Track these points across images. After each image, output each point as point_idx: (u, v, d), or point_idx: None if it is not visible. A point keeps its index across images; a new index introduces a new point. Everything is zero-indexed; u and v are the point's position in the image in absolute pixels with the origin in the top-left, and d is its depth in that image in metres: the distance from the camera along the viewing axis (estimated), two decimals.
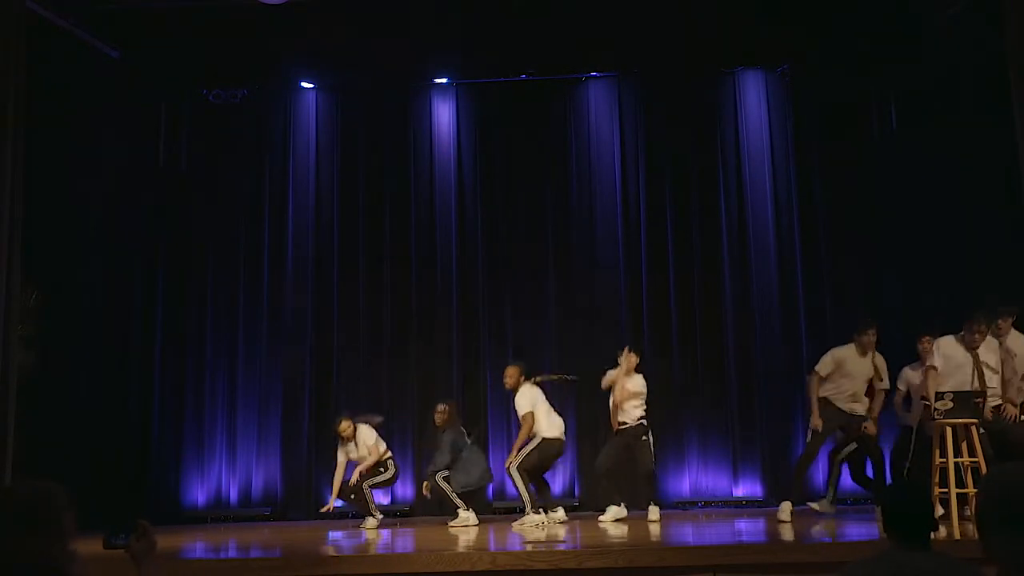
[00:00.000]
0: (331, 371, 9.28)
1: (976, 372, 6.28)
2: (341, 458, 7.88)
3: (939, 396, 6.10)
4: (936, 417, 6.08)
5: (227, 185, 9.63)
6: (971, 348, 6.28)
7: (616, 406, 7.48)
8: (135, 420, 8.97)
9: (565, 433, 7.63)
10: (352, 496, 7.82)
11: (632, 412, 7.48)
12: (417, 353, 9.26)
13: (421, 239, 9.50)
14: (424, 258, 9.46)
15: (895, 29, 8.57)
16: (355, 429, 7.83)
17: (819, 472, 8.81)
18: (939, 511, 5.99)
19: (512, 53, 9.15)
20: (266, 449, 9.23)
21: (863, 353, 6.98)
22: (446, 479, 7.63)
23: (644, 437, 7.42)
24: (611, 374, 7.56)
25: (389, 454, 8.01)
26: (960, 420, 6.03)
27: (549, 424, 7.46)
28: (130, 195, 9.15)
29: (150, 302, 9.25)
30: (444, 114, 9.71)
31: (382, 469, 7.88)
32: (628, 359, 7.49)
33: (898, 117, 9.03)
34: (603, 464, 7.46)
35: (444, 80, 9.68)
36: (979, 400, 6.10)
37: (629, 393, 7.44)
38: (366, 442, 7.82)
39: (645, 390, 7.52)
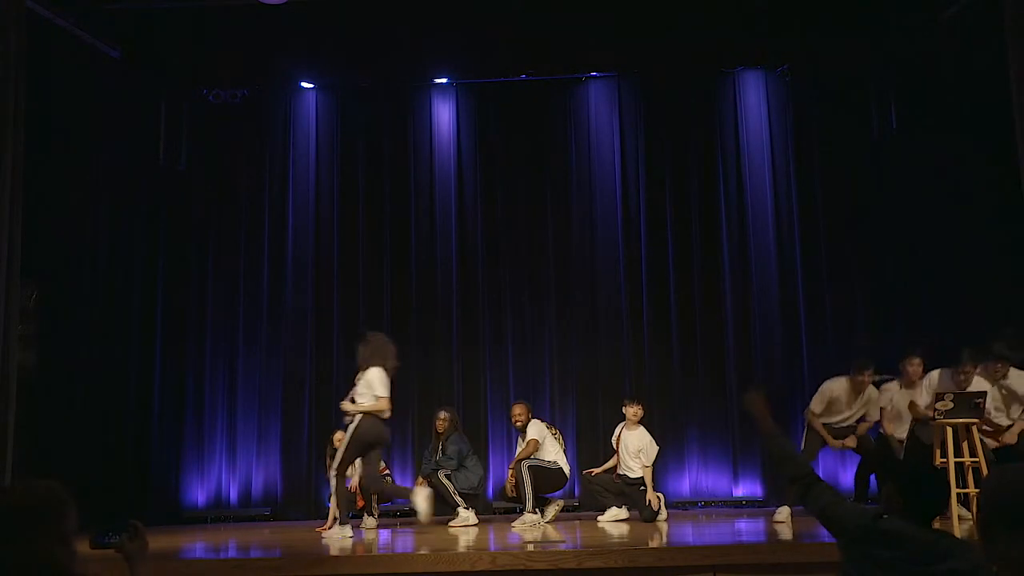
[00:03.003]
0: (331, 371, 9.27)
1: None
2: None
3: (939, 396, 6.11)
4: (936, 418, 6.08)
5: (227, 185, 9.63)
6: (961, 387, 6.34)
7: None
8: (135, 420, 8.96)
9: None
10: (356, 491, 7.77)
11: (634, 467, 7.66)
12: (417, 353, 9.25)
13: (421, 238, 9.50)
14: (424, 257, 9.46)
15: (895, 29, 8.57)
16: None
17: (818, 473, 8.80)
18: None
19: (512, 53, 9.14)
20: (266, 449, 9.23)
21: (856, 393, 7.06)
22: (448, 477, 7.64)
23: (642, 488, 7.55)
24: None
25: (388, 472, 8.00)
26: (960, 420, 6.04)
27: (560, 460, 7.61)
28: (130, 195, 9.14)
29: (150, 302, 9.24)
30: (444, 114, 9.70)
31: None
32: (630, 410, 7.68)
33: (898, 117, 9.03)
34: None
35: (444, 80, 9.67)
36: (980, 400, 6.10)
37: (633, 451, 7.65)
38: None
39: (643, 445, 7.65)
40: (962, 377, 6.32)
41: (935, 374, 6.55)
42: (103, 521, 2.55)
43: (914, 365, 6.95)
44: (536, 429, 7.62)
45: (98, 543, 2.48)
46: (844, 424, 7.16)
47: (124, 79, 8.89)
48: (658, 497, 7.49)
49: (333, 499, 7.75)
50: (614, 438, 7.79)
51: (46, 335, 8.02)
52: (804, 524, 6.61)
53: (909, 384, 7.02)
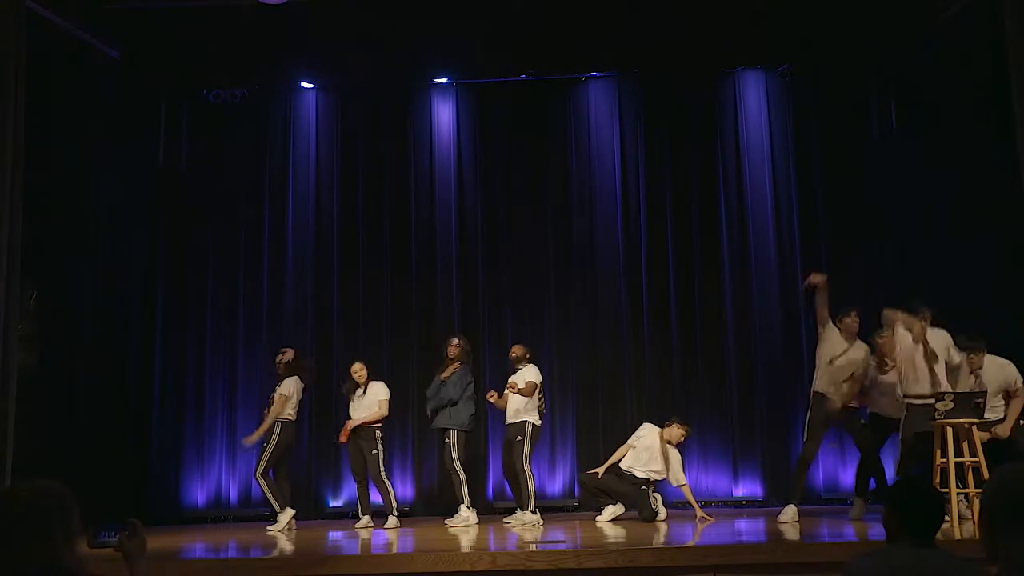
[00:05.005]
0: (331, 371, 9.25)
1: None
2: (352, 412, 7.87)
3: (940, 396, 6.11)
4: (936, 417, 6.08)
5: (227, 185, 9.62)
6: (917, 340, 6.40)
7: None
8: (135, 420, 8.96)
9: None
10: (365, 481, 7.82)
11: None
12: (416, 353, 9.25)
13: (421, 238, 9.49)
14: (424, 257, 9.45)
15: (895, 29, 8.57)
16: (368, 379, 7.81)
17: (818, 475, 8.80)
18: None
19: (512, 53, 9.14)
20: None
21: (847, 339, 7.04)
22: (462, 467, 7.59)
23: (643, 487, 7.64)
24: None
25: (377, 450, 7.87)
26: (960, 420, 6.04)
27: (532, 416, 7.58)
28: (130, 195, 9.14)
29: (150, 302, 9.24)
30: (444, 114, 9.70)
31: (379, 446, 7.79)
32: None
33: (898, 117, 9.02)
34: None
35: (444, 80, 9.67)
36: (980, 400, 6.10)
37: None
38: (377, 395, 7.78)
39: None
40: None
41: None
42: (102, 520, 2.55)
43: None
44: (533, 372, 7.63)
45: (97, 542, 2.47)
46: (842, 380, 7.07)
47: (124, 79, 8.88)
48: (655, 497, 7.52)
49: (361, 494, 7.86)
50: (646, 444, 7.69)
51: (46, 335, 8.02)
52: (809, 524, 6.62)
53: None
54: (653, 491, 7.61)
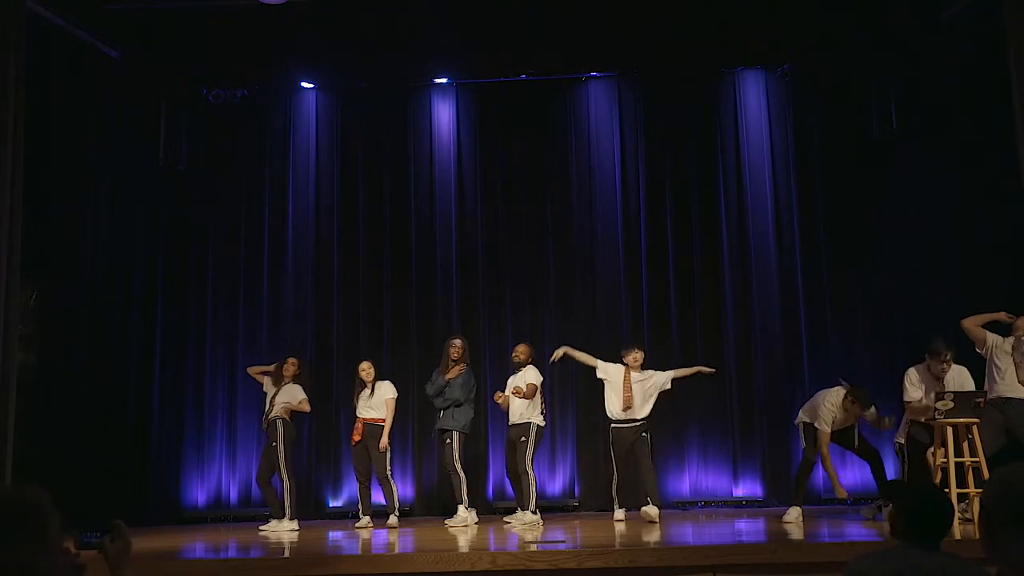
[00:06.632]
0: (331, 371, 9.27)
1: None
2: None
3: (939, 396, 6.12)
4: (937, 417, 6.08)
5: (227, 185, 9.62)
6: (939, 377, 6.38)
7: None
8: (135, 420, 8.96)
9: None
10: (367, 481, 7.79)
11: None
12: (417, 353, 9.25)
13: (421, 239, 9.49)
14: (424, 258, 9.45)
15: (895, 29, 8.57)
16: (376, 379, 7.78)
17: (818, 474, 8.80)
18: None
19: (512, 53, 9.14)
20: None
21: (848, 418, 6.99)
22: (462, 467, 7.56)
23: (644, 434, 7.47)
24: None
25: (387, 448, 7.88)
26: (961, 420, 6.04)
27: (536, 417, 7.53)
28: (130, 195, 9.14)
29: (150, 302, 9.24)
30: (444, 114, 9.70)
31: (387, 445, 7.73)
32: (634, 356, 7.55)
33: (898, 117, 9.02)
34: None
35: (444, 80, 9.66)
36: (980, 400, 6.11)
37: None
38: (384, 395, 7.75)
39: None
40: (942, 367, 6.34)
41: (912, 371, 6.55)
42: (86, 521, 2.50)
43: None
44: (535, 375, 7.57)
45: (80, 542, 2.41)
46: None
47: (124, 79, 8.88)
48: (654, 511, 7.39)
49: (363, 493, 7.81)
50: (621, 389, 7.45)
51: (46, 335, 8.02)
52: (809, 524, 6.62)
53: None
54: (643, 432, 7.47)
